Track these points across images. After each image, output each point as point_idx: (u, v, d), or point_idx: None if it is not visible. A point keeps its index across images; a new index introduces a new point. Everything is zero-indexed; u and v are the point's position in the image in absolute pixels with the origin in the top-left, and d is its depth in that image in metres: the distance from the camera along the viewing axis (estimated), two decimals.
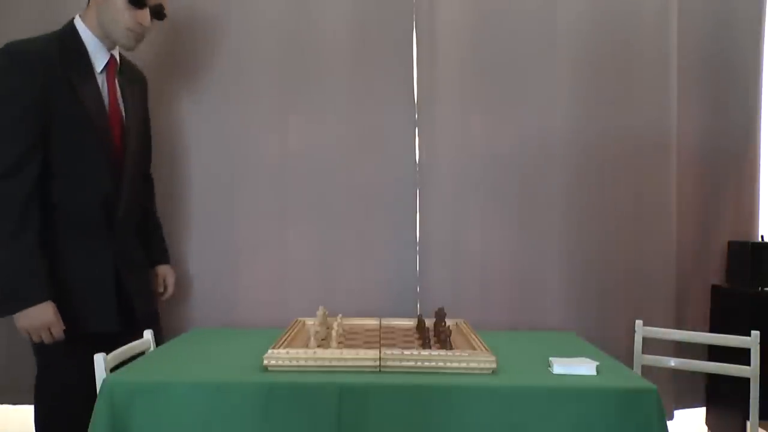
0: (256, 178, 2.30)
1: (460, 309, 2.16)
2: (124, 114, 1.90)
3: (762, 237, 2.44)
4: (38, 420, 1.82)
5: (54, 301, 1.72)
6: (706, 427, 2.48)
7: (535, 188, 2.32)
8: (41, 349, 1.77)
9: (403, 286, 2.33)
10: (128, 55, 1.99)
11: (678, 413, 2.44)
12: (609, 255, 2.34)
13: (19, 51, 1.72)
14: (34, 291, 1.69)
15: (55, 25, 1.84)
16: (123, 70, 1.94)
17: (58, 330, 1.72)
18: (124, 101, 1.90)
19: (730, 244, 2.43)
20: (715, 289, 2.45)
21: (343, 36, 2.30)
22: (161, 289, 2.15)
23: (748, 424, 1.84)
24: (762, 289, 2.30)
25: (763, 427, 2.05)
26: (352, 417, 1.40)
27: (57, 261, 1.77)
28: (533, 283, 2.32)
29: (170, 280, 2.17)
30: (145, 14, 1.80)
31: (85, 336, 1.76)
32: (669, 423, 1.53)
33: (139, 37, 1.84)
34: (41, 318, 1.68)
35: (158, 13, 1.86)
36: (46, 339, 1.72)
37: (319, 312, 1.89)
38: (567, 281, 2.33)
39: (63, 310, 1.74)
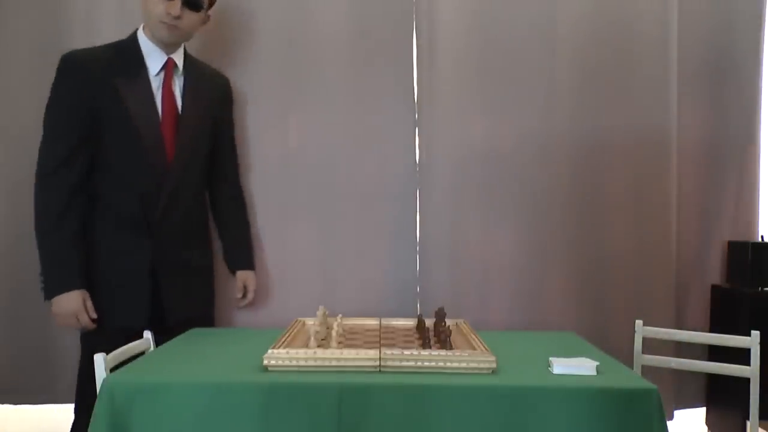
0: (256, 178, 2.30)
1: (460, 309, 2.16)
2: (181, 114, 1.94)
3: (762, 237, 2.44)
4: (76, 406, 1.92)
5: (90, 291, 1.82)
6: (706, 427, 2.48)
7: (535, 188, 2.33)
8: (86, 338, 1.88)
9: (403, 286, 2.33)
10: (201, 56, 2.11)
11: (678, 413, 2.44)
12: (609, 255, 2.34)
13: (71, 59, 1.86)
14: (65, 279, 1.81)
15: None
16: (190, 71, 1.99)
17: (85, 318, 1.82)
18: (183, 101, 1.95)
19: (730, 244, 2.43)
20: (715, 289, 2.44)
21: (343, 36, 2.30)
22: (240, 295, 2.20)
23: (748, 424, 1.84)
24: (762, 289, 2.30)
25: (763, 427, 2.05)
26: (352, 417, 1.40)
27: (96, 252, 1.87)
28: (533, 283, 2.32)
29: (250, 287, 2.21)
30: (174, 4, 1.84)
31: (132, 330, 1.80)
32: (669, 423, 1.53)
33: (172, 29, 1.87)
34: (70, 306, 1.80)
35: (189, 3, 1.87)
36: (74, 326, 1.82)
37: (319, 312, 1.88)
38: (567, 281, 2.33)
39: (98, 302, 1.85)
